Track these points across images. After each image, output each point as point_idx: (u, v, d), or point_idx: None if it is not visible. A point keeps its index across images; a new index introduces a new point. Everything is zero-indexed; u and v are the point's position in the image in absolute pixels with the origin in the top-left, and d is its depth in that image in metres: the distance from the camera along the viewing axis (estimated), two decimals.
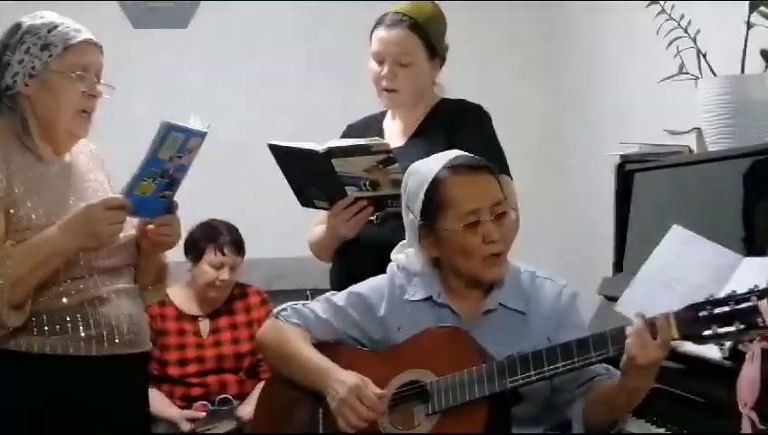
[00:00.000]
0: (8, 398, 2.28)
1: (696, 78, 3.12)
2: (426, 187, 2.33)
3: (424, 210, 2.33)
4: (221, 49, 4.77)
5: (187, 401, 3.81)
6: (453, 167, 2.33)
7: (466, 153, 2.40)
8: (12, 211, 2.30)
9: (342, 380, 2.29)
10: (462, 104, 2.93)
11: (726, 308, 1.96)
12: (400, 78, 2.82)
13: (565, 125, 4.75)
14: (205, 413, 3.77)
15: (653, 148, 3.35)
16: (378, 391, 2.27)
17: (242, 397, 3.84)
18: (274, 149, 2.73)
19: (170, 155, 2.33)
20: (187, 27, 4.77)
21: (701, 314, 1.98)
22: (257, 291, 4.06)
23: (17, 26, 2.41)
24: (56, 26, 2.40)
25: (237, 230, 3.95)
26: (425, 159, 2.41)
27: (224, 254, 3.86)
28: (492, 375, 2.16)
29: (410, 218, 2.39)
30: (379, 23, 2.88)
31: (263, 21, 4.78)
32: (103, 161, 2.60)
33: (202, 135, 2.38)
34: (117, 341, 2.37)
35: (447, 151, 2.42)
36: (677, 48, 3.12)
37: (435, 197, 2.31)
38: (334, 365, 2.33)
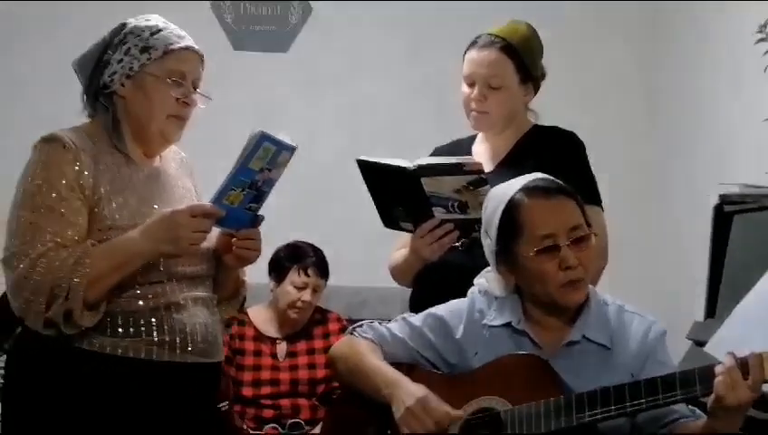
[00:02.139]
0: (74, 395, 2.25)
1: None
2: (501, 210, 2.26)
3: (500, 235, 2.26)
4: (319, 74, 4.79)
5: (258, 423, 3.79)
6: (528, 189, 2.26)
7: (545, 176, 2.32)
8: (96, 210, 2.29)
9: (411, 390, 2.22)
10: (555, 131, 2.85)
11: None
12: (490, 101, 2.75)
13: (664, 164, 4.65)
14: None
15: (754, 189, 3.23)
16: (446, 407, 2.19)
17: (314, 423, 3.80)
18: (363, 164, 2.65)
19: (261, 166, 2.29)
20: (287, 51, 4.80)
21: None
22: (338, 318, 4.02)
23: (122, 26, 2.41)
24: (160, 30, 2.39)
25: (323, 253, 3.93)
26: (504, 183, 2.34)
27: (308, 275, 3.84)
28: (570, 407, 2.07)
29: (487, 243, 2.32)
30: (471, 44, 2.81)
31: (363, 48, 4.79)
32: (192, 170, 2.59)
33: (292, 149, 2.33)
34: (190, 348, 2.33)
35: (528, 175, 2.33)
36: None
37: (510, 221, 2.24)
38: (404, 377, 2.26)
